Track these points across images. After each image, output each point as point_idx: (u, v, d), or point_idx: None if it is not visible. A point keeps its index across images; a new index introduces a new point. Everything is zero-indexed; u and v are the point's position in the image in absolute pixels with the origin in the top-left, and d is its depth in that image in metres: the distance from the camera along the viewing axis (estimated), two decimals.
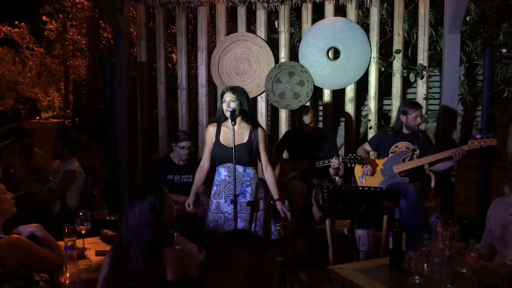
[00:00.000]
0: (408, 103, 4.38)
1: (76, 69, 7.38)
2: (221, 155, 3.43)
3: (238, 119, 3.43)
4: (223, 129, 3.49)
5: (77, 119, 7.23)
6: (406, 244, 3.29)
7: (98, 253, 2.77)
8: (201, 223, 3.86)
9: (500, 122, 5.64)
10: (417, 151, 4.23)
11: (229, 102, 3.39)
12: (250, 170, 3.45)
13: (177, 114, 5.49)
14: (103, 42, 7.53)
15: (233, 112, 3.32)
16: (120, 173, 5.22)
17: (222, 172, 3.45)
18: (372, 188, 3.69)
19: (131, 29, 6.24)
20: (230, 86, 3.54)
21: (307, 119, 4.46)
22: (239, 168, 3.41)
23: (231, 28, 5.61)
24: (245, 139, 3.45)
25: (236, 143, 3.34)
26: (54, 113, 7.23)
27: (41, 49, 7.59)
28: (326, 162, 4.33)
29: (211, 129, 3.53)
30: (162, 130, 5.47)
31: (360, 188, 3.82)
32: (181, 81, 5.41)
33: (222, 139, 3.46)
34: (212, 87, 5.50)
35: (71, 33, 7.26)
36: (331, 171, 4.41)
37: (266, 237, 3.48)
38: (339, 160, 4.22)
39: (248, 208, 3.41)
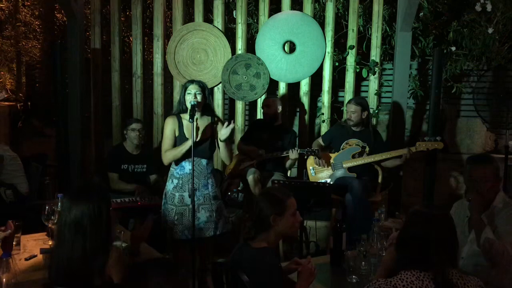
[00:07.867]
0: (350, 99, 4.50)
1: (29, 51, 7.13)
2: (187, 150, 3.35)
3: (199, 113, 3.44)
4: (184, 122, 3.48)
5: (29, 103, 7.01)
6: (351, 235, 3.44)
7: (43, 251, 2.66)
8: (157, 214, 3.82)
9: (449, 116, 5.85)
10: (367, 148, 4.36)
11: (195, 94, 3.39)
12: (210, 162, 3.55)
13: (131, 102, 5.42)
14: (58, 25, 7.29)
15: (193, 107, 3.30)
16: (72, 161, 5.14)
17: (186, 166, 3.45)
18: (320, 183, 3.83)
19: (87, 11, 6.06)
20: (195, 80, 3.56)
21: (272, 102, 4.59)
22: (203, 161, 3.49)
23: (188, 17, 5.54)
24: (209, 133, 3.51)
25: (201, 137, 3.40)
26: (6, 95, 6.97)
27: None
28: (285, 153, 4.40)
29: (172, 122, 3.49)
30: (116, 118, 5.39)
31: (309, 183, 3.93)
32: (136, 69, 5.32)
33: (187, 133, 3.45)
34: (168, 76, 5.45)
35: (23, 14, 6.99)
36: (289, 162, 4.49)
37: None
38: (296, 152, 4.29)
39: (211, 199, 3.51)
